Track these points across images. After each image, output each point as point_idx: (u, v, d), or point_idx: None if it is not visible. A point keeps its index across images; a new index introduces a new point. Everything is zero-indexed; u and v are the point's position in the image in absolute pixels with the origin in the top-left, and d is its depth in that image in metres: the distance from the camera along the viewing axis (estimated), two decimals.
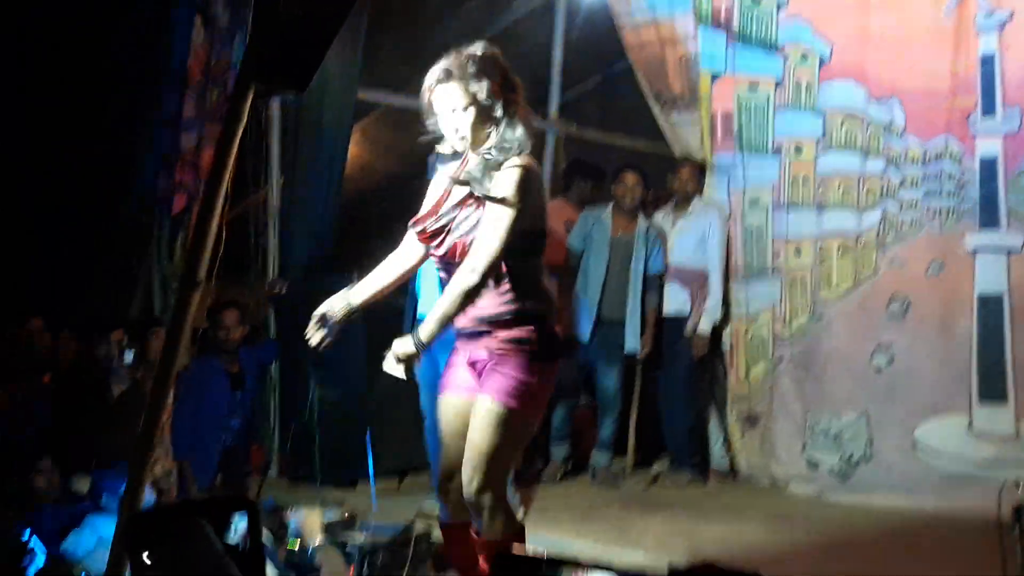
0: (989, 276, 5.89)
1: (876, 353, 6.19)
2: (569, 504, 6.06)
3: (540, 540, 5.24)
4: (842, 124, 6.39)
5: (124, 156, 7.16)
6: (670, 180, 6.82)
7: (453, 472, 3.68)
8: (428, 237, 3.59)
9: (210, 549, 1.41)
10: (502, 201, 3.42)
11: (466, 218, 3.50)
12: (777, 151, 6.65)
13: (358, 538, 5.05)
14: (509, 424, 3.52)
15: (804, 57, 6.52)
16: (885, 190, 6.25)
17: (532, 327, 3.55)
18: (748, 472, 6.78)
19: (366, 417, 6.14)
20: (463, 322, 3.57)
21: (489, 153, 3.50)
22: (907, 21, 6.19)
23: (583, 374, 6.77)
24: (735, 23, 6.75)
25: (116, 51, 7.07)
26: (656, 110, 7.23)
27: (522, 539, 3.68)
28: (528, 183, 3.47)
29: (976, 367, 5.91)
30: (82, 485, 5.54)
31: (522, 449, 3.84)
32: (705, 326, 6.58)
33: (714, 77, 6.85)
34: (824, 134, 6.47)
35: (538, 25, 8.24)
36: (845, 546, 5.30)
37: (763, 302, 6.69)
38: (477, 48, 3.53)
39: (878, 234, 6.26)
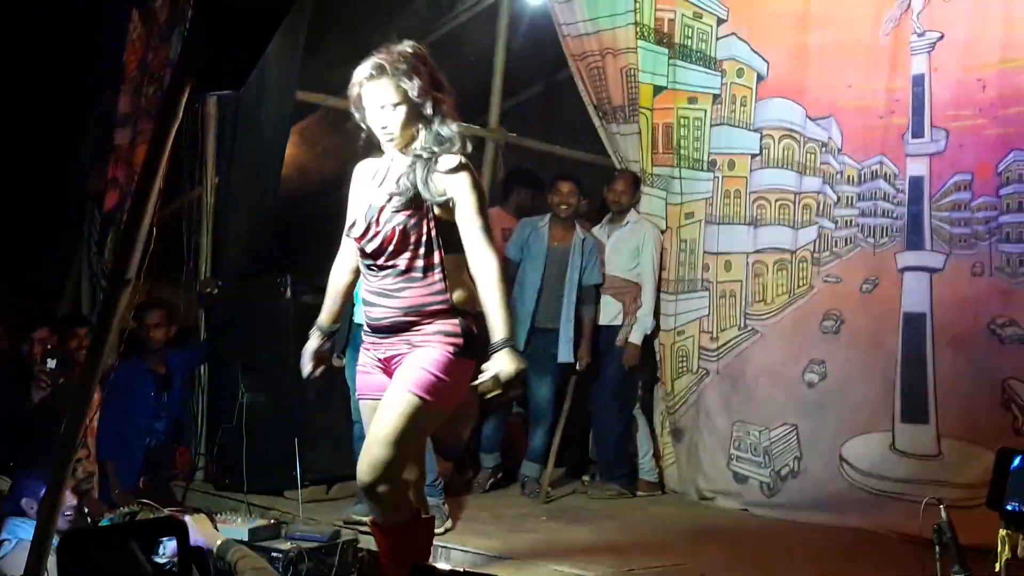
0: (914, 295, 5.96)
1: (808, 368, 6.24)
2: (498, 514, 6.04)
3: (469, 550, 5.24)
4: (780, 141, 6.44)
5: (57, 151, 7.05)
6: (605, 192, 6.84)
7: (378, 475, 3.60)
8: (369, 250, 3.57)
9: (138, 570, 1.41)
10: (469, 199, 3.49)
11: (404, 224, 3.49)
12: (712, 165, 6.70)
13: (284, 545, 4.99)
14: (418, 416, 3.50)
15: (740, 73, 6.57)
16: (821, 207, 6.29)
17: (457, 320, 3.55)
18: (676, 485, 6.80)
19: (294, 424, 6.07)
20: (386, 313, 3.57)
21: (424, 151, 3.52)
22: (845, 40, 6.22)
23: None
24: (676, 38, 6.79)
25: (50, 45, 6.95)
26: (596, 120, 7.25)
27: (426, 529, 3.71)
28: (476, 176, 3.56)
29: (899, 386, 5.97)
30: (1, 486, 5.42)
31: (419, 447, 3.84)
32: (636, 336, 6.60)
33: (656, 90, 6.88)
34: (760, 150, 6.51)
35: (481, 31, 8.22)
36: (771, 561, 5.32)
37: (691, 315, 6.72)
38: (407, 46, 3.54)
39: (814, 251, 6.31)
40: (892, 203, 6.05)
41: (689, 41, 6.75)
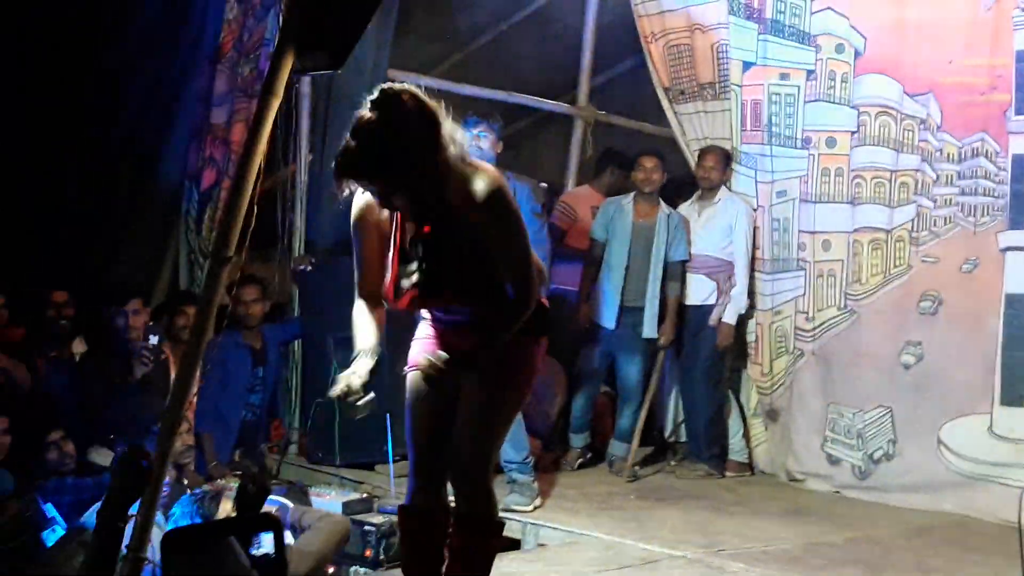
0: (1017, 276, 5.83)
1: (905, 350, 6.14)
2: (586, 492, 6.06)
3: (558, 527, 5.27)
4: (876, 118, 6.31)
5: (155, 130, 7.18)
6: (695, 168, 6.77)
7: (433, 452, 3.47)
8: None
9: (238, 564, 1.48)
10: (498, 221, 3.16)
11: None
12: (807, 143, 6.58)
13: (376, 519, 5.08)
14: (504, 408, 3.43)
15: (839, 49, 6.45)
16: (920, 186, 6.17)
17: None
18: (766, 466, 6.75)
19: (386, 399, 6.12)
20: (454, 312, 3.38)
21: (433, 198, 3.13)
22: (944, 14, 6.08)
23: (606, 362, 6.74)
24: (768, 12, 6.68)
25: (149, 25, 7.07)
26: (665, 102, 7.12)
27: (497, 523, 3.54)
28: (502, 186, 3.17)
29: (1000, 368, 5.84)
30: (101, 458, 5.58)
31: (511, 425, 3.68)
32: (730, 315, 6.54)
33: (745, 66, 6.78)
34: (857, 128, 6.39)
35: (569, 7, 8.18)
36: (863, 544, 5.29)
37: (787, 295, 6.64)
38: (375, 111, 3.03)
39: (911, 230, 6.18)
40: (993, 181, 5.91)
41: (782, 16, 6.62)
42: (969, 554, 5.10)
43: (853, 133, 6.40)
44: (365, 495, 5.39)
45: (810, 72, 6.55)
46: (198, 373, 3.32)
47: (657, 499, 6.03)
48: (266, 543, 1.60)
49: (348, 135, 3.07)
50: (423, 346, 3.48)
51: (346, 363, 6.35)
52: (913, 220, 6.18)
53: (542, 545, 5.26)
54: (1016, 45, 5.85)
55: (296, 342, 6.80)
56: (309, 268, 6.58)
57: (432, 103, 3.12)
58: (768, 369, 6.69)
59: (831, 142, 6.50)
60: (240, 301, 6.23)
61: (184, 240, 7.26)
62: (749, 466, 6.78)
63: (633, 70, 8.86)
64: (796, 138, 6.62)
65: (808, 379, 6.52)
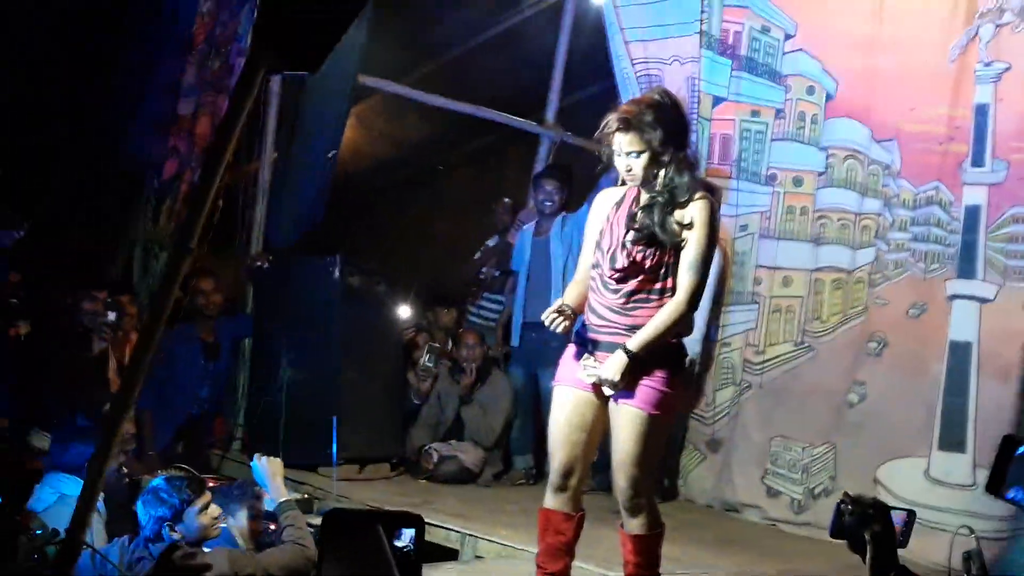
0: (962, 324, 5.93)
1: (851, 388, 6.22)
2: (525, 509, 6.01)
3: (495, 540, 5.27)
4: (844, 161, 6.42)
5: (120, 118, 7.14)
6: None
7: (573, 466, 3.94)
8: (614, 270, 3.84)
9: (382, 551, 1.60)
10: (695, 234, 3.77)
11: (644, 252, 3.80)
12: (771, 180, 6.67)
13: (315, 520, 5.05)
14: (657, 432, 3.82)
15: (810, 91, 6.55)
16: (880, 229, 6.27)
17: (676, 341, 3.87)
18: (699, 496, 6.77)
19: (333, 402, 6.13)
20: (612, 328, 3.83)
21: (661, 196, 3.81)
22: (911, 63, 6.18)
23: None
24: (742, 50, 6.77)
25: (122, 14, 7.04)
26: None
27: (661, 534, 4.01)
28: (716, 214, 3.87)
29: (940, 413, 5.94)
30: (41, 441, 5.51)
31: (659, 458, 4.15)
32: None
33: (716, 101, 6.86)
34: (826, 169, 6.48)
35: (543, 27, 8.22)
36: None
37: (738, 328, 6.70)
38: (656, 94, 3.90)
39: (871, 272, 6.28)
40: (945, 230, 6.02)
41: (756, 54, 6.72)
42: None
43: (820, 174, 6.50)
44: (306, 496, 5.37)
45: (779, 111, 6.65)
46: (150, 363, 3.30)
47: (594, 519, 6.02)
48: (407, 538, 1.70)
49: (640, 98, 3.97)
50: (570, 363, 3.96)
51: (296, 364, 6.39)
52: (872, 263, 6.28)
53: (479, 557, 5.27)
54: (976, 99, 5.97)
55: (246, 340, 6.77)
56: (266, 265, 6.57)
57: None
58: (712, 399, 6.74)
59: (798, 181, 6.59)
60: (199, 291, 6.23)
61: (141, 229, 7.20)
62: (674, 494, 6.77)
63: (602, 94, 8.93)
64: (761, 174, 6.70)
65: (753, 411, 6.57)
